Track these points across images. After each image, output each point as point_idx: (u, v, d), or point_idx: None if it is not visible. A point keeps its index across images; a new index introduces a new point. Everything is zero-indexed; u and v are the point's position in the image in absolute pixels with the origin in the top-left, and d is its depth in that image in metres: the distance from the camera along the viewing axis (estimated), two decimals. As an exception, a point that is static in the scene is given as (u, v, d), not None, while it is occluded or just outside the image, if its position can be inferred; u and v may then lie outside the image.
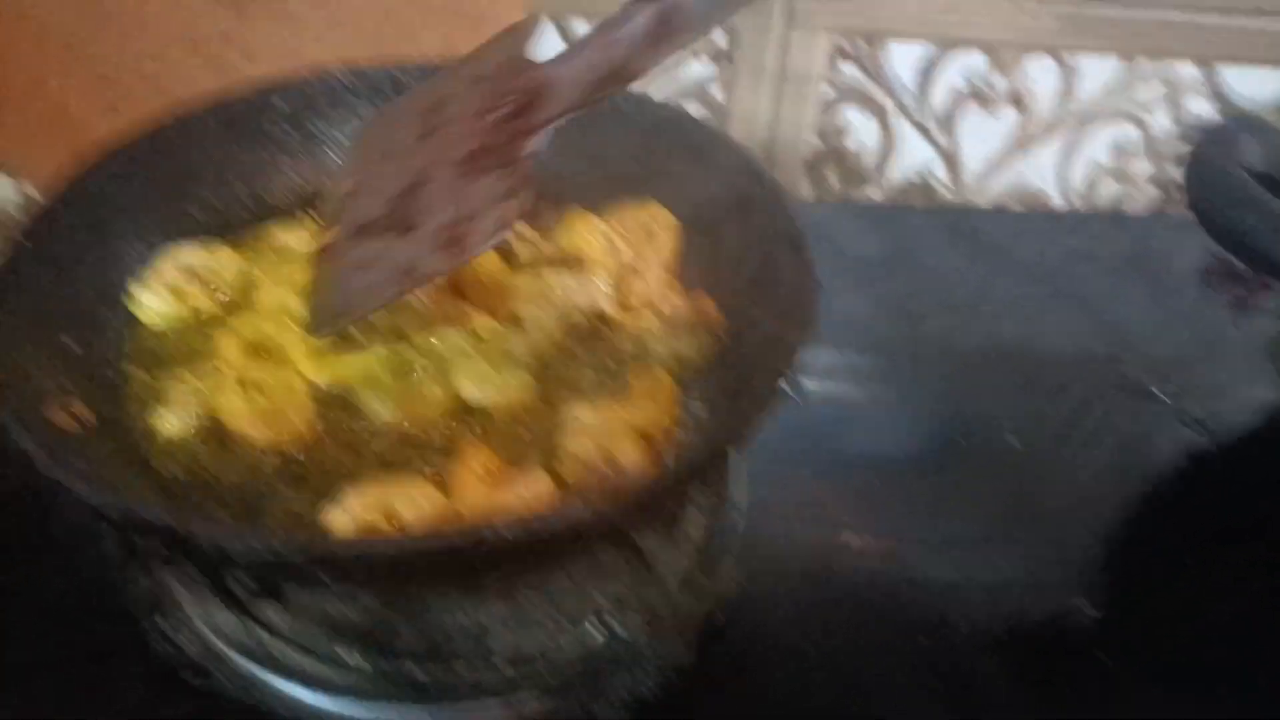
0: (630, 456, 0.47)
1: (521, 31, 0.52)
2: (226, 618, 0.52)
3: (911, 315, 0.78)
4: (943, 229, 0.91)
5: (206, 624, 0.52)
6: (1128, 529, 0.61)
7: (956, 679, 0.52)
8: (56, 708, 0.50)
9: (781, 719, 0.51)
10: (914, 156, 1.01)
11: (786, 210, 0.55)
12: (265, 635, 0.52)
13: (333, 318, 0.52)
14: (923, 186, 1.03)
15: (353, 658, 0.51)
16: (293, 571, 0.38)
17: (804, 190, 1.02)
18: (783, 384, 0.44)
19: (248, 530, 0.37)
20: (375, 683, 0.50)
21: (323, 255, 0.54)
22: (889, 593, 0.57)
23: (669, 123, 0.64)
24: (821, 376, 0.68)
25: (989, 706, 0.51)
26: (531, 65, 0.49)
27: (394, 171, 0.52)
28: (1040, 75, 0.95)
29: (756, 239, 0.56)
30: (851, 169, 1.02)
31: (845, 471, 0.64)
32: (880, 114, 0.98)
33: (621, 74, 0.47)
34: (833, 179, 1.03)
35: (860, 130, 0.99)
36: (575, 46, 0.49)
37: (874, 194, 1.03)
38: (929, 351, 0.74)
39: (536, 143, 0.49)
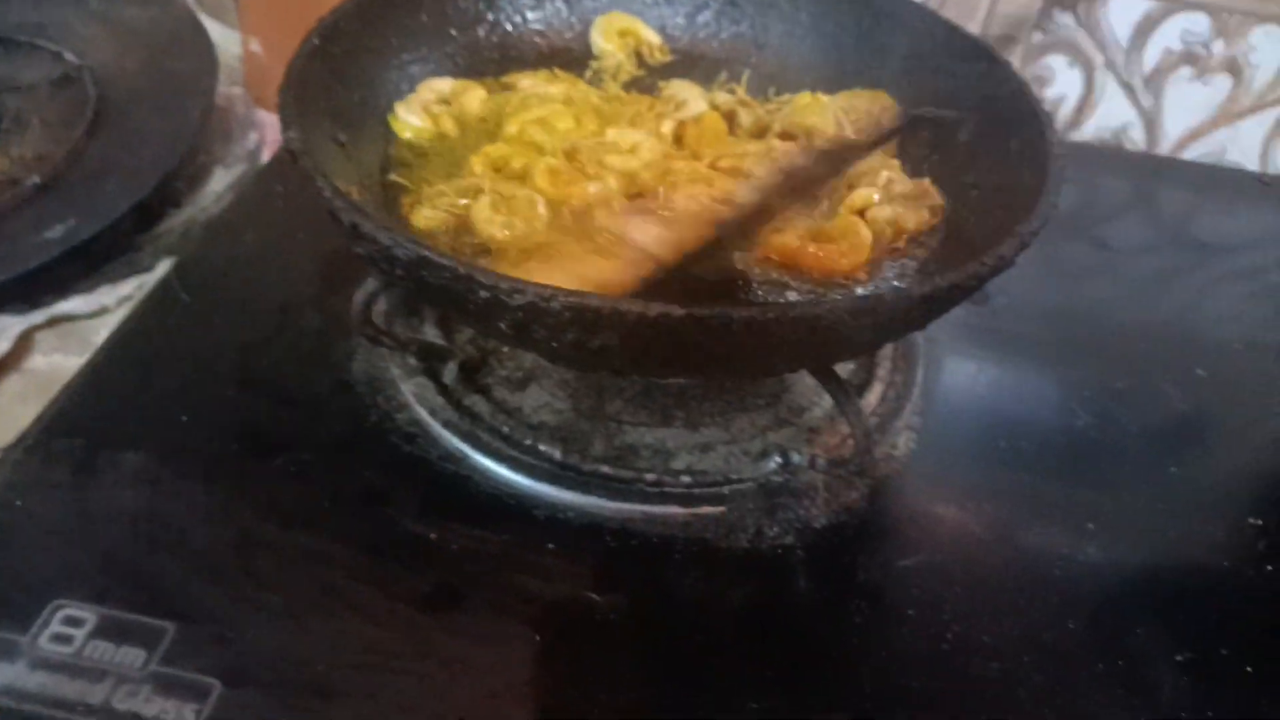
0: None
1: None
2: (438, 400, 0.58)
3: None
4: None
5: (420, 403, 0.58)
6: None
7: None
8: (280, 450, 0.55)
9: (933, 578, 0.53)
10: (1113, 116, 1.00)
11: (1029, 99, 0.56)
12: (470, 419, 0.57)
13: None
14: (1115, 148, 1.02)
15: (551, 451, 0.55)
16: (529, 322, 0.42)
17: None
18: (1012, 252, 0.46)
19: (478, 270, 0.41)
20: (569, 474, 0.54)
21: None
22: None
23: (899, 13, 0.66)
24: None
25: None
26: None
27: None
28: (1264, 45, 0.92)
29: (990, 128, 0.58)
30: (1045, 120, 1.02)
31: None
32: (1087, 66, 0.98)
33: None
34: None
35: (1063, 82, 0.99)
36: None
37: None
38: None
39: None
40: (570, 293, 0.41)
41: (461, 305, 0.44)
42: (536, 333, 0.44)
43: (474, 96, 0.64)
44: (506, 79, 0.67)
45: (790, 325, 0.42)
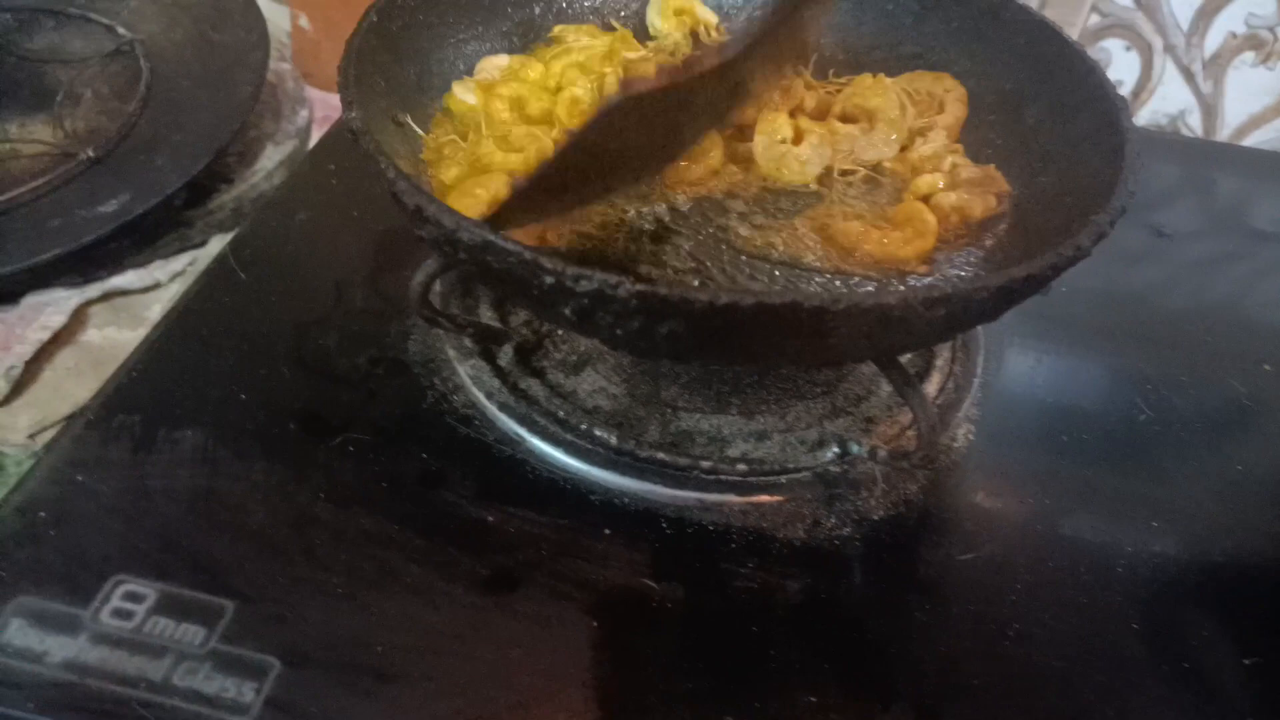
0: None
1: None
2: (494, 383, 0.58)
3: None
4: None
5: (476, 385, 0.57)
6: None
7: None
8: (337, 430, 0.55)
9: (994, 573, 0.52)
10: (1170, 101, 0.98)
11: (1101, 82, 0.55)
12: (526, 402, 0.57)
13: None
14: (1171, 134, 1.00)
15: (606, 436, 0.55)
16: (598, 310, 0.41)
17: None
18: (1090, 242, 0.44)
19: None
20: (625, 460, 0.54)
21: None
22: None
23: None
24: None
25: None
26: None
27: None
28: (1332, 30, 0.90)
29: (1058, 112, 0.57)
30: (1101, 105, 1.00)
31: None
32: (1145, 50, 0.95)
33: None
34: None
35: (1120, 66, 0.97)
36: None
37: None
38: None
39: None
40: (638, 279, 0.41)
41: (525, 290, 0.44)
42: (601, 319, 0.43)
43: (530, 71, 0.63)
44: (553, 33, 0.67)
45: (861, 316, 0.41)
